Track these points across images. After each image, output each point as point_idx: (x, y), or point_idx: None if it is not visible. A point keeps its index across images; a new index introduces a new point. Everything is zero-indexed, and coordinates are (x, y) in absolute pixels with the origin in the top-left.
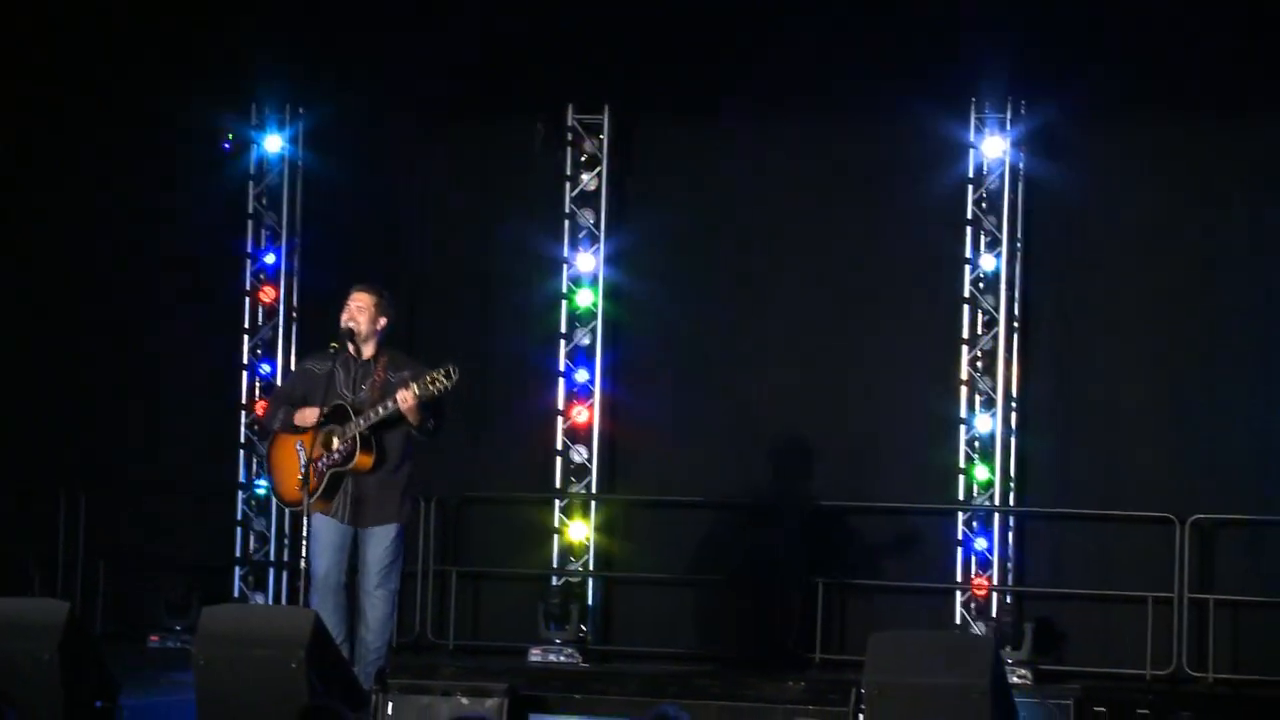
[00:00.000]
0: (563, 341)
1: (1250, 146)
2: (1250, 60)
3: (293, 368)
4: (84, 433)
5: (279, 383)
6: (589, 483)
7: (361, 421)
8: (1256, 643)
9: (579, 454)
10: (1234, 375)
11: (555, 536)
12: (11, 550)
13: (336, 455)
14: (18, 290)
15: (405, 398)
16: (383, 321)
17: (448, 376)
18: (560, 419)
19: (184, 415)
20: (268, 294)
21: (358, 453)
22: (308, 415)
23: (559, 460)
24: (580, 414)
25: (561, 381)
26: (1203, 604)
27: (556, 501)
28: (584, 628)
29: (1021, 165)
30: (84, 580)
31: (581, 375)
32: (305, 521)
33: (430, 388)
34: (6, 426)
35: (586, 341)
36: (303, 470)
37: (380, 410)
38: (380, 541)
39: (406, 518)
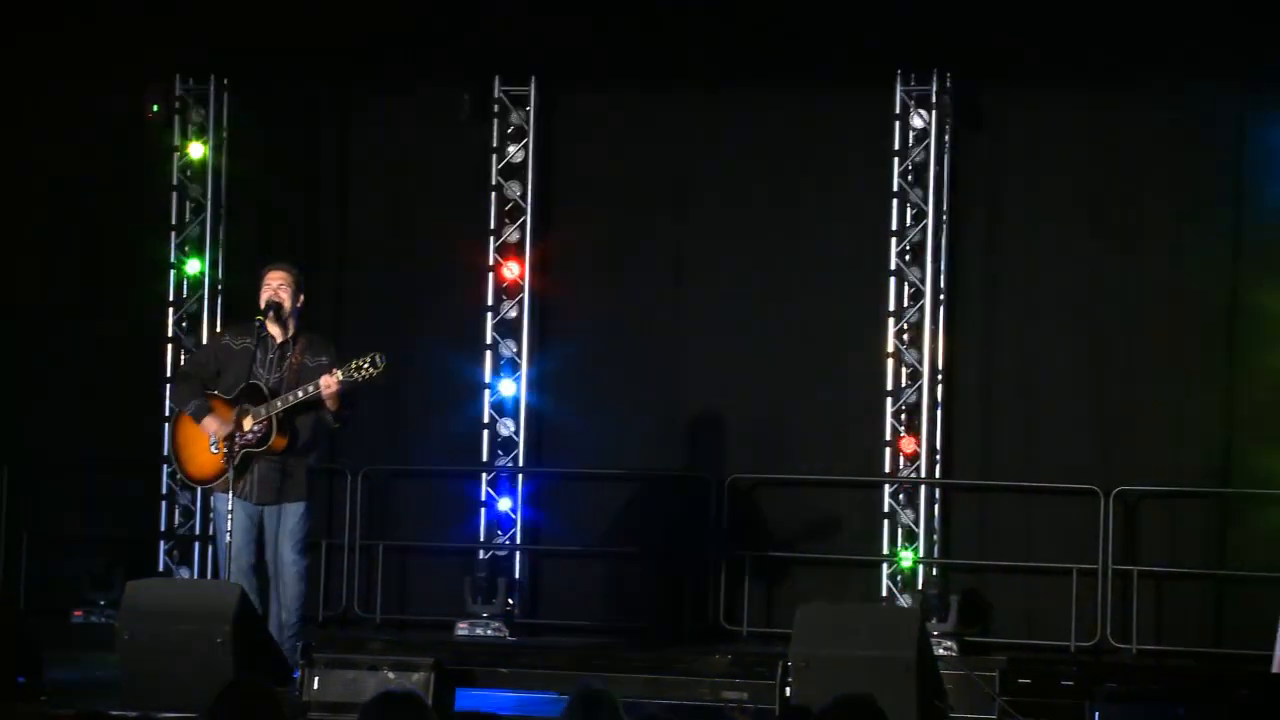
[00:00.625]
0: (489, 315)
1: (1174, 122)
2: (1177, 34)
3: (209, 340)
4: (6, 407)
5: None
6: (516, 455)
7: (279, 404)
8: (1179, 614)
9: (506, 427)
10: (1156, 348)
11: (482, 510)
12: None
13: (250, 436)
14: None
15: (329, 384)
16: (300, 299)
17: (373, 365)
18: (487, 392)
19: (107, 388)
20: (194, 265)
21: (273, 434)
22: (216, 428)
23: (486, 433)
24: (507, 387)
25: (489, 355)
26: (1126, 575)
27: (484, 475)
28: (511, 601)
29: (948, 138)
30: (7, 555)
31: (508, 348)
32: (230, 496)
33: (354, 374)
34: None
35: (513, 315)
36: (220, 444)
37: (300, 394)
38: (290, 518)
39: (313, 493)
